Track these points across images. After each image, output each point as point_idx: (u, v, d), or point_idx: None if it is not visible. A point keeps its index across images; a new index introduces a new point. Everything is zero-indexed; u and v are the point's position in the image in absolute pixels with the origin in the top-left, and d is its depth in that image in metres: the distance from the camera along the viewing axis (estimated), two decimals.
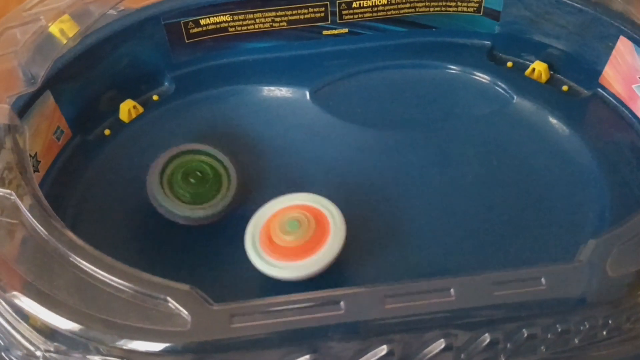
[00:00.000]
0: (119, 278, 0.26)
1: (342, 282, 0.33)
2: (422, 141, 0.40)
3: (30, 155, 0.34)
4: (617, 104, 0.41)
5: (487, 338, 0.26)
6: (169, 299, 0.25)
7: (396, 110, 0.42)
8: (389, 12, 0.44)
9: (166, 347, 0.25)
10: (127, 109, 0.41)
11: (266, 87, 0.43)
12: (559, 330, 0.26)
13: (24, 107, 0.35)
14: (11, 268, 0.27)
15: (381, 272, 0.34)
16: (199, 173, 0.35)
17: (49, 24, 0.37)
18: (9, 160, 0.31)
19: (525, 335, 0.26)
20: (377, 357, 0.25)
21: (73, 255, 0.27)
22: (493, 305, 0.26)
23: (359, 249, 0.34)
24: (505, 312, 0.26)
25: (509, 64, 0.44)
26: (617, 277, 0.26)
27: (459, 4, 0.44)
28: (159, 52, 0.43)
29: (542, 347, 0.26)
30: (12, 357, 0.28)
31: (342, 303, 0.26)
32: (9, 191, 0.29)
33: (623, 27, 0.39)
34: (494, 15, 0.44)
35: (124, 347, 0.25)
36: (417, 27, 0.45)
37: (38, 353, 0.27)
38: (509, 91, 0.42)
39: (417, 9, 0.44)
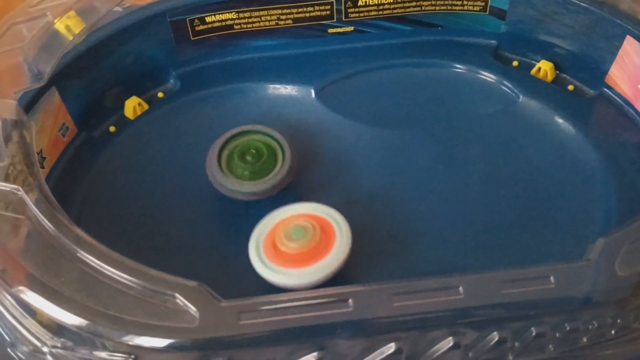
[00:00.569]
0: (127, 274, 0.26)
1: (348, 281, 0.33)
2: (428, 140, 0.40)
3: (36, 152, 0.34)
4: (623, 104, 0.41)
5: (495, 336, 0.26)
6: (177, 295, 0.25)
7: (402, 109, 0.42)
8: (394, 11, 0.44)
9: (174, 343, 0.25)
10: (132, 106, 0.41)
11: (271, 85, 0.43)
12: (568, 329, 0.26)
13: (29, 104, 0.35)
14: (18, 263, 0.27)
15: (387, 271, 0.34)
16: (253, 151, 0.37)
17: (55, 20, 0.37)
18: (16, 156, 0.31)
19: (534, 333, 0.26)
20: (384, 355, 0.25)
21: (80, 251, 0.27)
22: (501, 303, 0.26)
23: (365, 248, 0.34)
24: (513, 311, 0.26)
25: (515, 63, 0.44)
26: (626, 276, 0.26)
27: (465, 2, 0.44)
28: (165, 49, 0.43)
29: (550, 346, 0.26)
30: (19, 353, 0.28)
31: (350, 301, 0.26)
32: (15, 186, 0.29)
33: (629, 27, 0.39)
34: (500, 14, 0.44)
35: (131, 343, 0.25)
36: (423, 26, 0.45)
37: (44, 349, 0.27)
38: (515, 90, 0.42)
39: (423, 8, 0.44)
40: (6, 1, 0.46)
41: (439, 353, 0.26)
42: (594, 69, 0.42)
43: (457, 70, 0.44)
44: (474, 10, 0.44)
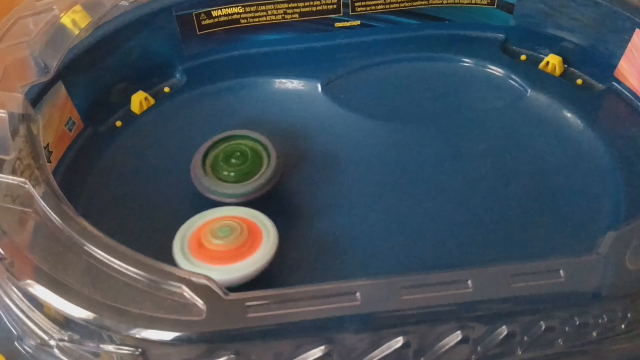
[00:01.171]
0: (134, 267, 0.26)
1: (355, 275, 0.33)
2: (435, 134, 0.40)
3: (42, 146, 0.34)
4: (632, 98, 0.40)
5: (504, 330, 0.26)
6: (184, 288, 0.25)
7: (409, 103, 0.42)
8: (401, 4, 0.44)
9: (181, 336, 0.24)
10: (139, 101, 0.41)
11: (278, 80, 0.43)
12: (577, 323, 0.26)
13: (36, 98, 0.35)
14: (25, 256, 0.27)
15: (394, 265, 0.33)
16: (238, 153, 0.37)
17: (61, 15, 0.37)
18: (23, 149, 0.30)
19: (543, 328, 0.26)
20: (392, 349, 0.25)
21: (87, 244, 0.27)
22: (510, 297, 0.26)
23: (372, 242, 0.34)
24: (522, 304, 0.26)
25: (523, 57, 0.44)
26: (636, 270, 0.26)
27: None
28: (171, 43, 0.43)
29: (559, 340, 0.26)
30: (26, 346, 0.28)
31: (358, 294, 0.25)
32: (22, 180, 0.29)
33: (639, 20, 0.39)
34: (508, 7, 0.44)
35: (138, 336, 0.25)
36: (430, 20, 0.45)
37: (52, 342, 0.27)
38: (523, 84, 0.42)
39: (430, 1, 0.44)
40: None
41: (447, 347, 0.25)
42: (602, 62, 0.41)
43: (464, 64, 0.43)
44: (482, 4, 0.44)
